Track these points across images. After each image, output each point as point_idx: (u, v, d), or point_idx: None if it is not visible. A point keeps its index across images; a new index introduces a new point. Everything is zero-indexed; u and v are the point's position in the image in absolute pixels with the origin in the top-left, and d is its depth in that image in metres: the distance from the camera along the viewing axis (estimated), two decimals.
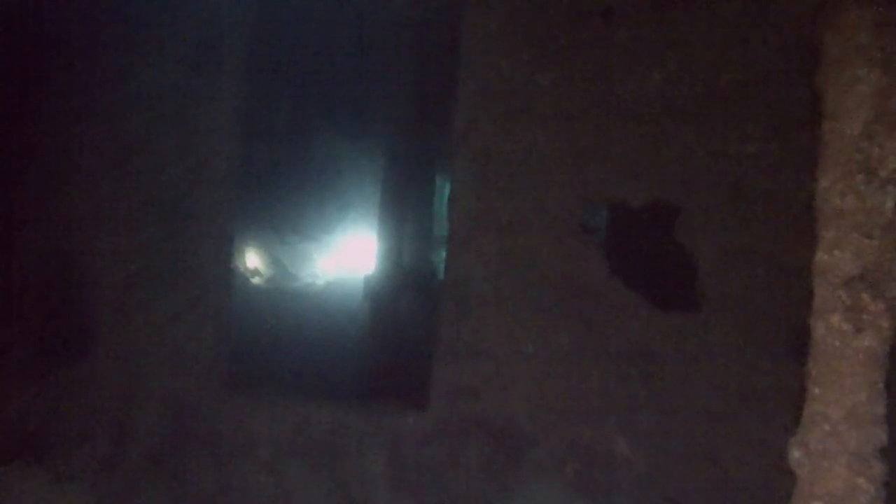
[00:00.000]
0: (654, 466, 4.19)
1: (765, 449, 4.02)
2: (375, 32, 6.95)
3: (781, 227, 4.04)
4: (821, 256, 2.52)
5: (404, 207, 5.93)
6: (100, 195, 4.73)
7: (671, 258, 4.28)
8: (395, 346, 5.51)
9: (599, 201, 4.34)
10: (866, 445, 2.44)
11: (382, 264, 6.28)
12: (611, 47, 4.21)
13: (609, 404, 4.20)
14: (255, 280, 10.56)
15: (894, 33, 2.42)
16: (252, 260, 10.98)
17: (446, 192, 4.66)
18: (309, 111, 8.70)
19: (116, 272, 4.70)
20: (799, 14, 3.94)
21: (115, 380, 4.70)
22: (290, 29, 6.84)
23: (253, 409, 4.54)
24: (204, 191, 4.59)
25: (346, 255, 12.82)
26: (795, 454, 2.56)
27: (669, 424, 4.16)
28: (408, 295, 5.92)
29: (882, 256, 2.43)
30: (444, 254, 4.46)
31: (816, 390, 2.52)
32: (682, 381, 4.15)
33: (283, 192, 10.22)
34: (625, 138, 4.18)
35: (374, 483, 4.45)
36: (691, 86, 4.13)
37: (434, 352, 4.35)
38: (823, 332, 2.50)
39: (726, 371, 4.10)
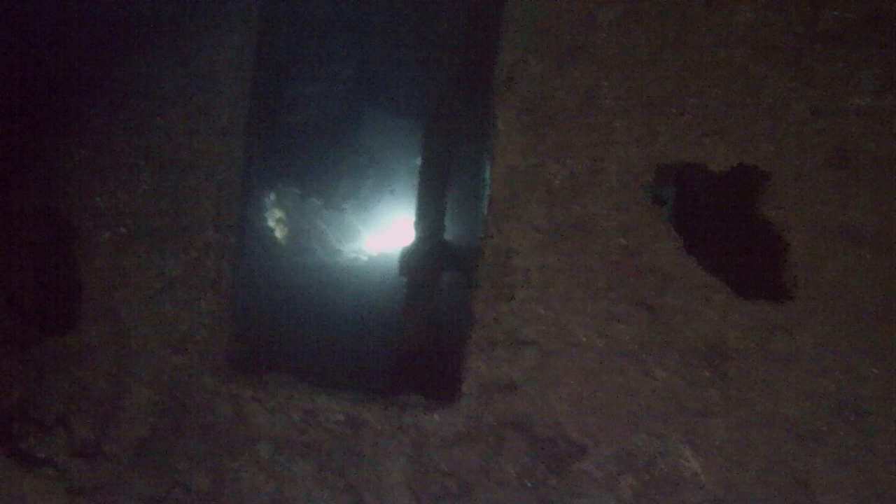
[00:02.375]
0: (727, 486, 3.81)
1: (865, 474, 3.66)
2: None
3: (893, 201, 3.66)
4: None
5: (445, 170, 5.60)
6: (90, 145, 4.47)
7: (757, 235, 3.90)
8: (425, 331, 5.17)
9: (672, 163, 3.92)
10: None
11: (423, 236, 5.96)
12: None
13: (675, 409, 3.82)
14: (291, 250, 10.38)
15: None
16: (288, 228, 10.81)
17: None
18: (343, 70, 8.45)
19: (107, 232, 4.44)
20: None
21: (102, 356, 4.46)
22: None
23: (254, 397, 4.24)
24: (203, 139, 4.30)
25: (396, 229, 12.69)
26: None
27: (748, 437, 3.78)
28: (447, 272, 5.60)
29: None
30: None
31: None
32: (765, 385, 3.76)
33: (325, 158, 10.02)
34: (705, 88, 3.78)
35: (391, 491, 4.11)
36: (788, 24, 3.71)
37: (467, 338, 4.00)
38: None
39: (821, 375, 3.72)
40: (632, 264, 3.85)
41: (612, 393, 3.86)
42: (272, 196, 9.96)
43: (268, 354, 4.84)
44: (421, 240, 5.74)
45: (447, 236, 6.10)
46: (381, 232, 13.13)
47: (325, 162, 10.24)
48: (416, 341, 5.05)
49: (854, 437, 3.71)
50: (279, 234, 10.38)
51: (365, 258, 11.50)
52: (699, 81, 3.79)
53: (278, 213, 10.74)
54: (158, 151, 4.38)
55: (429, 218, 5.78)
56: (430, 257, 5.41)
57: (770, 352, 3.75)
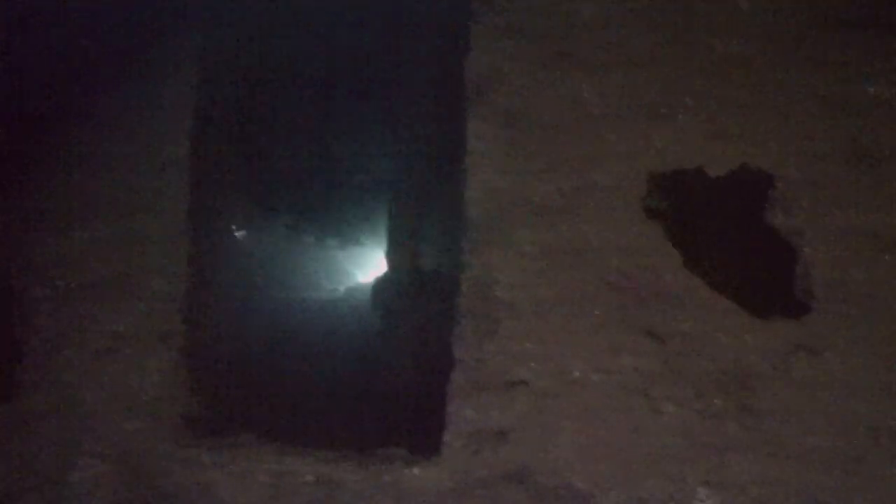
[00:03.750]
0: None
1: None
2: None
3: None
4: None
5: (420, 192, 5.29)
6: (21, 191, 4.10)
7: (768, 246, 3.56)
8: (403, 373, 4.82)
9: (669, 172, 3.59)
10: None
11: (395, 266, 5.64)
12: None
13: (690, 447, 3.44)
14: (266, 289, 10.07)
15: None
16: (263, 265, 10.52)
17: None
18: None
19: (45, 287, 4.06)
20: None
21: (47, 425, 3.99)
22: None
23: (216, 463, 3.83)
24: (145, 176, 3.94)
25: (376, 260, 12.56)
26: None
27: (773, 472, 3.41)
28: (423, 304, 5.26)
29: None
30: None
31: None
32: (789, 414, 3.41)
33: (302, 191, 9.78)
34: (704, 87, 3.48)
35: None
36: (792, 9, 3.43)
37: (450, 381, 3.61)
38: None
39: (852, 398, 3.39)
40: (632, 288, 3.50)
41: (618, 434, 3.46)
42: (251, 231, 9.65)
43: (237, 409, 4.47)
44: (394, 270, 5.42)
45: (430, 265, 5.78)
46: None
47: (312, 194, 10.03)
48: (393, 384, 4.70)
49: (891, 464, 3.38)
50: (261, 272, 10.08)
51: (342, 290, 11.22)
52: (694, 79, 3.48)
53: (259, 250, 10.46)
54: (97, 193, 4.04)
55: (402, 246, 5.46)
56: (406, 289, 5.08)
57: (793, 376, 3.41)
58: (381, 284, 5.80)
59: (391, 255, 5.51)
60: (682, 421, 3.43)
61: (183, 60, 4.19)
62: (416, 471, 3.67)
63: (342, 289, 11.63)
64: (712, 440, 3.43)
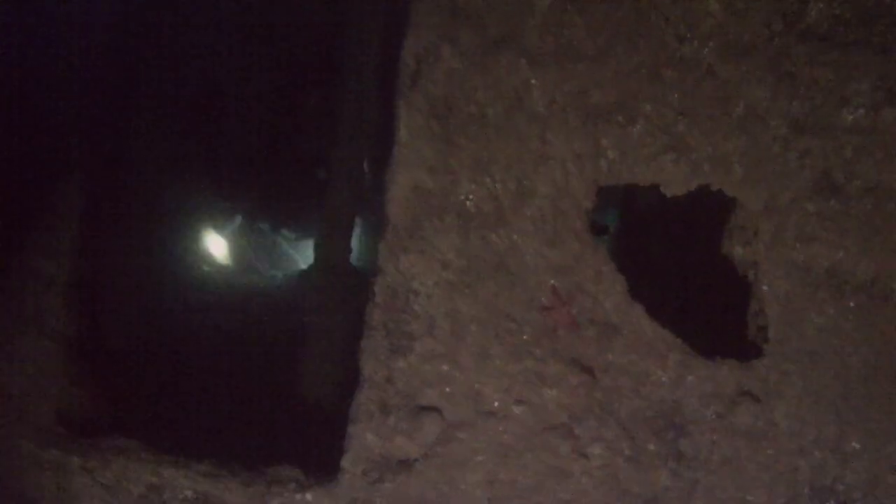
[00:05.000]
0: None
1: None
2: None
3: (890, 238, 3.05)
4: None
5: (353, 184, 4.92)
6: None
7: (721, 279, 3.26)
8: (309, 382, 4.43)
9: (618, 186, 3.25)
10: None
11: (322, 262, 5.25)
12: None
13: (616, 497, 3.09)
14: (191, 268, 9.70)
15: None
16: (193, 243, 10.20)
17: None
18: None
19: None
20: None
21: None
22: None
23: (84, 468, 3.41)
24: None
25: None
26: None
27: None
28: (342, 307, 4.89)
29: None
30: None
31: None
32: (728, 466, 3.09)
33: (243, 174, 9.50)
34: (662, 93, 3.09)
35: None
36: (765, 20, 3.06)
37: (353, 400, 3.22)
38: None
39: (797, 454, 3.09)
40: (565, 313, 3.12)
41: (536, 476, 3.08)
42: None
43: (120, 409, 4.04)
44: (319, 265, 5.04)
45: (358, 265, 5.41)
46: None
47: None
48: (297, 393, 4.31)
49: None
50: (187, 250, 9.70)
51: (280, 276, 10.88)
52: (655, 85, 3.09)
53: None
54: None
55: (328, 239, 5.09)
56: (324, 286, 4.70)
57: (735, 424, 3.08)
58: (306, 277, 5.41)
59: (318, 248, 5.12)
60: (609, 466, 3.07)
61: None
62: (308, 496, 3.27)
63: (280, 275, 11.32)
64: (641, 490, 3.09)
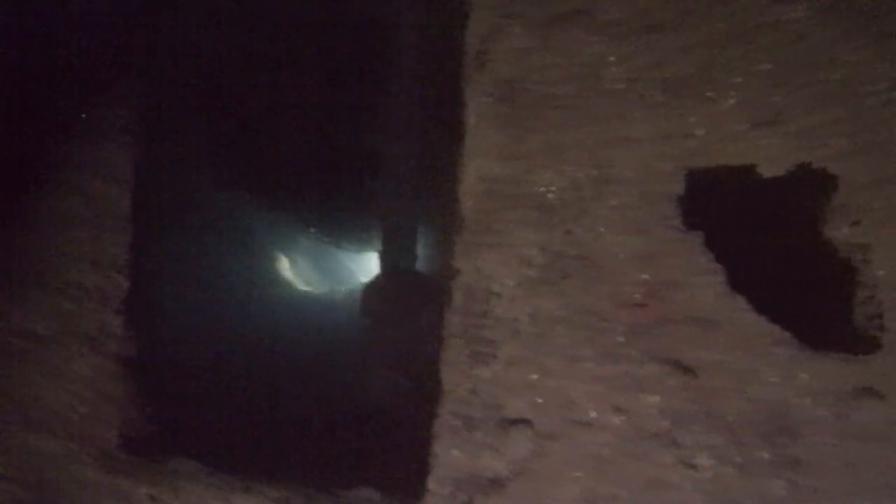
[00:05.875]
0: None
1: None
2: None
3: None
4: None
5: (414, 184, 4.70)
6: None
7: (829, 265, 2.93)
8: (385, 396, 4.21)
9: (709, 167, 2.94)
10: None
11: (388, 269, 5.03)
12: None
13: None
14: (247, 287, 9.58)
15: None
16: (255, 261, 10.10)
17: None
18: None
19: None
20: None
21: None
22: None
23: (152, 497, 3.24)
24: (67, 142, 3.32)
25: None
26: None
27: None
28: (415, 315, 4.66)
29: None
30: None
31: None
32: (847, 470, 2.77)
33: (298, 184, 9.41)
34: (753, 62, 2.80)
35: None
36: None
37: (435, 415, 3.00)
38: None
39: None
40: (659, 309, 2.86)
41: (637, 490, 2.80)
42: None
43: (183, 429, 3.86)
44: (387, 273, 4.81)
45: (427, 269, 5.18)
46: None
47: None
48: (372, 408, 4.09)
49: None
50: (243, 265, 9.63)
51: (342, 291, 10.78)
52: (745, 53, 2.82)
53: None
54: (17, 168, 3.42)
55: (394, 245, 4.86)
56: (394, 295, 4.48)
57: (854, 424, 2.75)
58: (372, 288, 5.21)
59: (384, 256, 4.90)
60: (717, 476, 2.78)
61: None
62: None
63: (343, 289, 11.22)
64: (753, 502, 2.80)
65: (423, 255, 5.34)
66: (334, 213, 10.19)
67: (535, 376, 2.88)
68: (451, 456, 2.96)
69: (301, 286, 11.08)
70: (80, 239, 3.40)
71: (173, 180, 4.60)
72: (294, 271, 11.44)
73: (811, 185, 2.95)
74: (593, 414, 2.83)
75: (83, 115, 3.46)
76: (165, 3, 4.16)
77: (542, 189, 2.88)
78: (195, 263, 5.47)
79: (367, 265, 12.75)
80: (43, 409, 3.38)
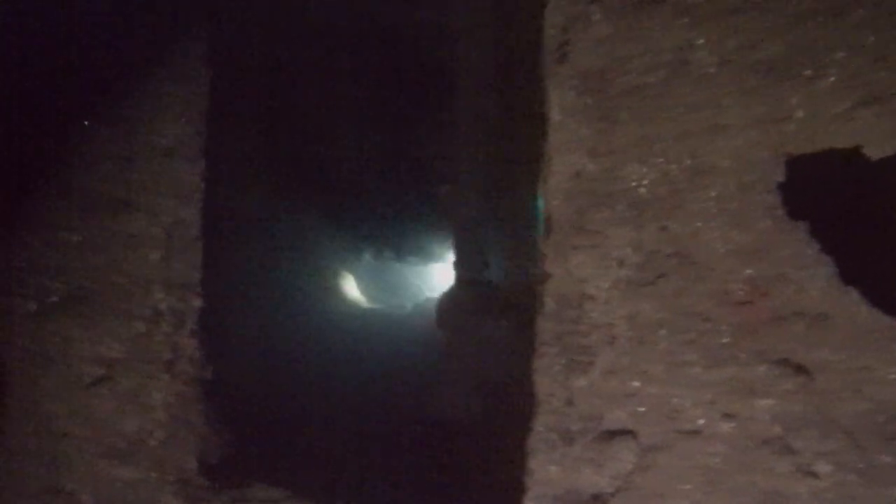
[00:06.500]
0: None
1: None
2: None
3: None
4: None
5: (487, 190, 4.55)
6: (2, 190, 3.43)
7: None
8: (469, 412, 4.05)
9: (812, 152, 2.73)
10: None
11: (464, 277, 4.89)
12: None
13: None
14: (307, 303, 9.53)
15: None
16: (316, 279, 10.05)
17: None
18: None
19: (30, 302, 3.38)
20: None
21: (25, 467, 3.37)
22: None
23: None
24: (141, 167, 3.22)
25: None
26: None
27: None
28: (495, 325, 4.51)
29: None
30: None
31: None
32: None
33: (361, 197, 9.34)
34: (855, 34, 2.56)
35: None
36: None
37: (529, 429, 2.83)
38: None
39: None
40: (766, 306, 2.67)
41: (752, 502, 2.59)
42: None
43: (261, 454, 3.74)
44: (461, 283, 4.66)
45: (505, 277, 5.04)
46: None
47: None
48: (455, 425, 3.93)
49: None
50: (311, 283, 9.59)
51: (409, 307, 10.70)
52: (845, 25, 2.63)
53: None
54: (86, 187, 3.35)
55: (468, 254, 4.71)
56: (473, 306, 4.33)
57: None
58: (447, 300, 5.07)
59: (458, 266, 4.76)
60: (839, 485, 2.59)
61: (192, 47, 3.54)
62: None
63: (409, 305, 11.14)
64: None
65: (496, 264, 5.20)
66: (398, 227, 10.14)
67: (635, 384, 2.70)
68: (548, 472, 2.78)
69: (365, 302, 11.07)
70: (151, 260, 3.33)
71: (240, 198, 4.53)
72: (358, 287, 11.42)
73: None
74: (701, 422, 2.64)
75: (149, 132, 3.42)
76: (228, 17, 4.11)
77: (633, 184, 2.71)
78: (263, 282, 5.39)
79: (432, 278, 12.69)
80: (119, 435, 3.30)
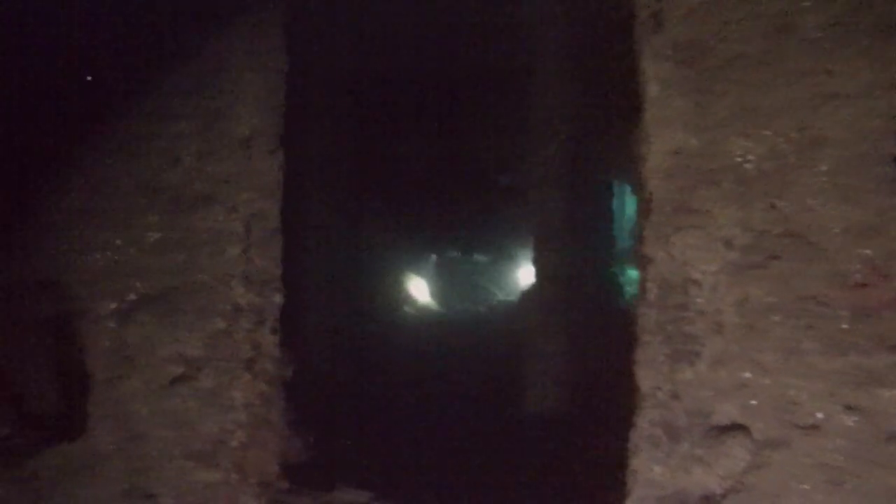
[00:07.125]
0: None
1: None
2: None
3: None
4: None
5: (573, 178, 4.40)
6: (81, 185, 3.37)
7: None
8: (558, 409, 3.88)
9: None
10: None
11: (545, 272, 4.73)
12: None
13: None
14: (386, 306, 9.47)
15: None
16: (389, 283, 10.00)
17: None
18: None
19: (111, 301, 3.32)
20: None
21: (108, 469, 3.29)
22: None
23: None
24: (219, 160, 3.13)
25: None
26: None
27: None
28: (580, 319, 4.33)
29: None
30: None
31: None
32: None
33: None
34: None
35: None
36: None
37: (632, 424, 2.64)
38: None
39: None
40: (885, 288, 2.41)
41: (881, 496, 2.39)
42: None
43: (344, 453, 3.63)
44: (541, 279, 4.50)
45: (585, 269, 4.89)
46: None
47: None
48: (544, 423, 3.77)
49: None
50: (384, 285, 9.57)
51: (482, 308, 10.65)
52: None
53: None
54: (160, 183, 3.27)
55: (548, 247, 4.54)
56: (555, 302, 4.16)
57: None
58: (528, 297, 4.93)
59: (537, 262, 4.60)
60: None
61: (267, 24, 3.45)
62: None
63: (482, 308, 11.07)
64: None
65: (577, 260, 5.05)
66: (471, 228, 10.07)
67: (747, 375, 2.49)
68: (652, 472, 2.60)
69: (437, 303, 11.08)
70: (230, 254, 3.23)
71: (323, 195, 4.46)
72: (430, 287, 11.42)
73: None
74: (820, 415, 2.42)
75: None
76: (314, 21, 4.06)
77: (738, 159, 2.51)
78: (339, 279, 5.32)
79: (500, 279, 12.64)
80: (200, 437, 3.22)
